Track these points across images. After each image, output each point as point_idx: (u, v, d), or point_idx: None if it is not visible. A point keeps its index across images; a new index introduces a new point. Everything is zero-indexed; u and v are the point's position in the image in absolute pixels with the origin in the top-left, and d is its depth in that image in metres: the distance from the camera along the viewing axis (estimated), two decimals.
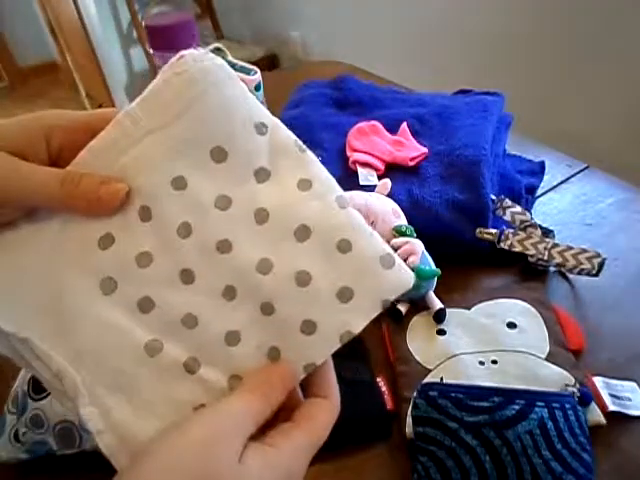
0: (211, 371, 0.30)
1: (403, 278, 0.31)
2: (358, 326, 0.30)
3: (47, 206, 0.28)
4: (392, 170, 0.72)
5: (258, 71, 0.79)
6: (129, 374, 0.29)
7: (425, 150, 0.74)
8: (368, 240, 0.30)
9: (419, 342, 0.56)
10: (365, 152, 0.73)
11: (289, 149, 0.31)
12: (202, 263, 0.29)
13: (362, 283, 0.30)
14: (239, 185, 0.30)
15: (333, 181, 0.31)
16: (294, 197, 0.30)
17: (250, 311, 0.30)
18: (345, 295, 0.30)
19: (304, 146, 0.32)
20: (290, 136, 0.31)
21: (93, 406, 0.28)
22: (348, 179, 0.71)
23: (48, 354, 0.28)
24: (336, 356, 0.55)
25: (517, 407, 0.43)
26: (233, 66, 0.80)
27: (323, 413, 0.31)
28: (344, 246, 0.30)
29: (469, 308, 0.59)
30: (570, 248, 0.62)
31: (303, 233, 0.30)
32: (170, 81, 0.29)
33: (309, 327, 0.30)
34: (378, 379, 0.53)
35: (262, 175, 0.30)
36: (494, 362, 0.52)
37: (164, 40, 0.78)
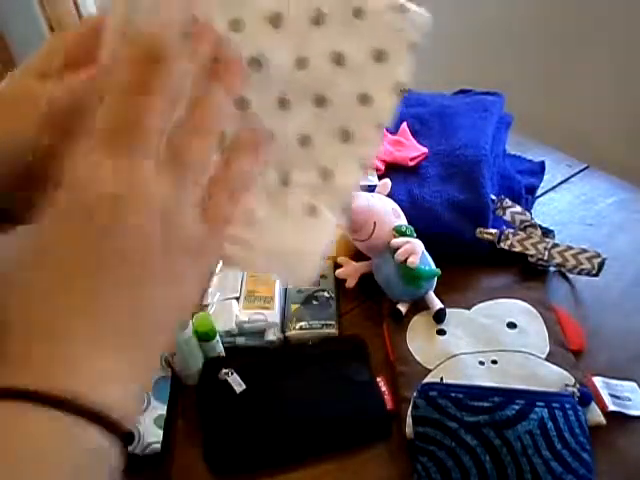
0: (302, 175, 0.33)
1: (422, 17, 0.32)
2: (406, 74, 0.32)
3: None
4: (392, 170, 0.72)
5: None
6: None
7: (425, 150, 0.74)
8: None
9: (419, 342, 0.56)
10: None
11: None
12: (246, 89, 0.31)
13: (390, 38, 0.32)
14: (243, 4, 0.30)
15: None
16: None
17: (308, 110, 0.32)
18: (381, 57, 0.32)
19: None
20: None
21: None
22: None
23: None
24: (337, 356, 0.55)
25: (517, 407, 0.43)
26: None
27: None
28: (359, 13, 0.32)
29: (469, 308, 0.59)
30: (570, 248, 0.62)
31: (318, 18, 0.31)
32: None
33: (365, 99, 0.32)
34: (378, 379, 0.53)
35: None
36: (494, 362, 0.52)
37: None
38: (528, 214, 0.65)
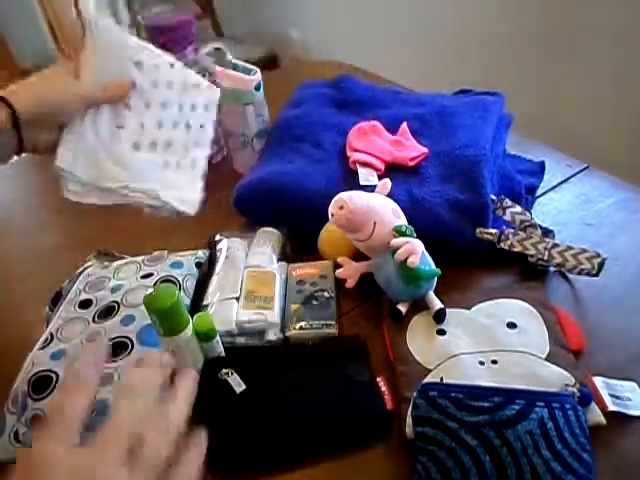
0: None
1: (213, 92, 0.62)
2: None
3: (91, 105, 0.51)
4: (392, 170, 0.72)
5: (258, 71, 0.79)
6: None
7: (425, 150, 0.74)
8: (179, 75, 0.58)
9: (419, 342, 0.56)
10: (365, 152, 0.73)
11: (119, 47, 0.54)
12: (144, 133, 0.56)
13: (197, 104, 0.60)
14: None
15: (143, 44, 0.55)
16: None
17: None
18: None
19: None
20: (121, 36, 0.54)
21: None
22: (348, 179, 0.71)
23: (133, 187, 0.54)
24: (337, 356, 0.55)
25: (517, 407, 0.43)
26: (234, 67, 0.80)
27: None
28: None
29: (469, 308, 0.59)
30: (570, 248, 0.62)
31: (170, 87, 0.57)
32: None
33: (188, 126, 0.60)
34: (378, 379, 0.53)
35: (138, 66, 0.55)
36: (494, 362, 0.52)
37: (164, 40, 0.78)
38: (528, 214, 0.65)
